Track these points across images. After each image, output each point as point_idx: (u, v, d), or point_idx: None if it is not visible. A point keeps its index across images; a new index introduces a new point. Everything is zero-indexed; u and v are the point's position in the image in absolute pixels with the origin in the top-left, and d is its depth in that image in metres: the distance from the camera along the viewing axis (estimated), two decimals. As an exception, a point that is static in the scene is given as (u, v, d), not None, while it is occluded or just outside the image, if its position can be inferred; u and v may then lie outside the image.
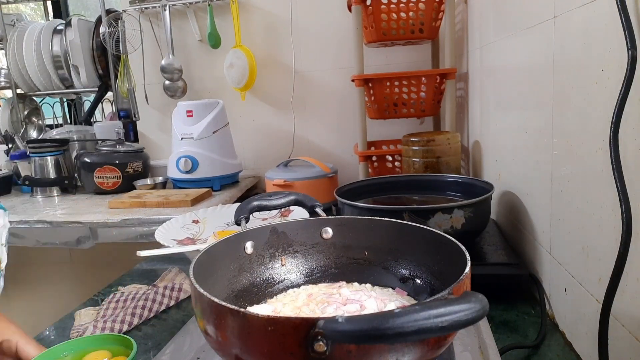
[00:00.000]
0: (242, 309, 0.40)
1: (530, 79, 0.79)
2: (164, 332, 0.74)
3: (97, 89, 1.95)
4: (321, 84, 1.79)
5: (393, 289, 0.61)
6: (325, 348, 0.35)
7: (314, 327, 0.35)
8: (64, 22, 1.93)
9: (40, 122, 2.16)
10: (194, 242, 0.98)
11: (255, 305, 0.59)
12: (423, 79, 1.36)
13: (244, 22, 1.77)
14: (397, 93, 1.38)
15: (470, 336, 0.58)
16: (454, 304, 0.34)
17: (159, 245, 0.88)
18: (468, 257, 0.47)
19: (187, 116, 1.59)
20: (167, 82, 1.83)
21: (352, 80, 1.38)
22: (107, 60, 1.91)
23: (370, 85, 1.37)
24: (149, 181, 1.71)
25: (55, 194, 1.73)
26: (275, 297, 0.62)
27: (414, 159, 1.16)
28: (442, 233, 0.56)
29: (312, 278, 0.65)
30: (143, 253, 0.71)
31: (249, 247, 0.63)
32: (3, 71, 2.12)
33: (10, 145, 1.92)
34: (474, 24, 1.26)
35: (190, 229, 1.02)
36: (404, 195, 1.05)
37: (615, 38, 0.48)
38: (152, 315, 0.79)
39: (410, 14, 1.34)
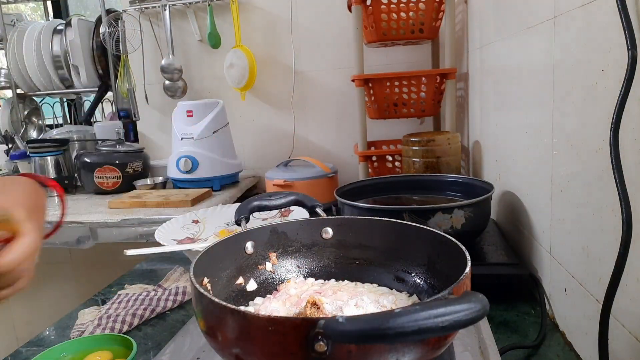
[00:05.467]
0: (242, 309, 0.40)
1: (530, 79, 0.79)
2: (164, 332, 0.74)
3: (97, 89, 1.95)
4: (321, 84, 1.79)
5: (390, 289, 0.61)
6: (326, 348, 0.35)
7: (314, 327, 0.35)
8: (64, 22, 1.93)
9: (40, 122, 2.16)
10: (194, 242, 0.98)
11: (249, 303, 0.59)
12: (423, 79, 1.36)
13: (244, 22, 1.77)
14: (397, 93, 1.38)
15: (470, 336, 0.58)
16: (454, 304, 0.34)
17: (147, 245, 0.87)
18: (468, 257, 0.47)
19: (187, 116, 1.59)
20: (167, 82, 1.83)
21: (352, 80, 1.38)
22: (107, 60, 1.91)
23: (370, 85, 1.37)
24: (149, 181, 1.71)
25: (56, 194, 1.72)
26: (274, 296, 0.62)
27: (414, 159, 1.16)
28: (442, 233, 0.56)
29: (312, 278, 0.65)
30: (130, 252, 0.71)
31: (249, 247, 0.63)
32: (3, 71, 2.12)
33: (10, 145, 1.92)
34: (474, 24, 1.26)
35: (190, 229, 1.02)
36: (404, 195, 1.05)
37: (615, 38, 0.48)
38: (153, 316, 0.79)
39: (410, 14, 1.34)
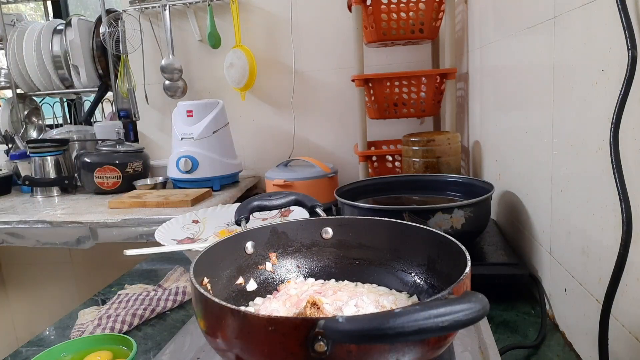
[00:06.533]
0: (242, 309, 0.40)
1: (530, 79, 0.79)
2: (164, 332, 0.74)
3: (97, 89, 1.95)
4: (321, 84, 1.79)
5: (390, 289, 0.61)
6: (326, 348, 0.35)
7: (314, 327, 0.35)
8: (64, 22, 1.93)
9: (40, 122, 2.16)
10: (194, 242, 0.98)
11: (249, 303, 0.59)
12: (423, 79, 1.36)
13: (244, 22, 1.77)
14: (397, 93, 1.38)
15: (470, 336, 0.58)
16: (454, 303, 0.34)
17: (147, 245, 0.87)
18: (468, 257, 0.47)
19: (187, 116, 1.59)
20: (167, 82, 1.83)
21: (352, 80, 1.38)
22: (107, 60, 1.91)
23: (370, 85, 1.37)
24: (149, 181, 1.71)
25: (55, 194, 1.73)
26: (274, 296, 0.62)
27: (414, 159, 1.17)
28: (442, 233, 0.56)
29: (312, 278, 0.65)
30: (130, 252, 0.70)
31: (249, 247, 0.63)
32: (3, 71, 2.12)
33: (10, 145, 1.92)
34: (474, 24, 1.26)
35: (190, 229, 1.02)
36: (404, 195, 1.05)
37: (615, 38, 0.48)
38: (152, 315, 0.79)
39: (410, 14, 1.34)
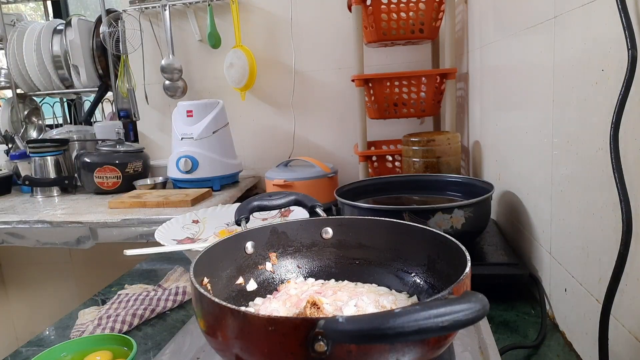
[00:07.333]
0: (242, 309, 0.40)
1: (530, 79, 0.79)
2: (164, 332, 0.74)
3: (97, 89, 1.95)
4: (321, 84, 1.79)
5: (390, 289, 0.61)
6: (326, 348, 0.35)
7: (314, 327, 0.35)
8: (64, 22, 1.93)
9: (40, 122, 2.16)
10: (194, 242, 0.98)
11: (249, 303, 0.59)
12: (423, 79, 1.36)
13: (244, 22, 1.77)
14: (397, 93, 1.38)
15: (470, 336, 0.58)
16: (454, 303, 0.34)
17: (147, 245, 0.87)
18: (468, 257, 0.47)
19: (187, 116, 1.59)
20: (167, 82, 1.83)
21: (352, 80, 1.38)
22: (107, 60, 1.91)
23: (370, 85, 1.37)
24: (149, 181, 1.71)
25: (55, 194, 1.73)
26: (274, 296, 0.62)
27: (414, 159, 1.17)
28: (442, 233, 0.56)
29: (312, 278, 0.65)
30: (130, 252, 0.70)
31: (249, 247, 0.63)
32: (3, 71, 2.12)
33: (10, 145, 1.92)
34: (474, 24, 1.26)
35: (190, 229, 1.02)
36: (404, 195, 1.05)
37: (615, 38, 0.48)
38: (152, 315, 0.79)
39: (410, 14, 1.34)
